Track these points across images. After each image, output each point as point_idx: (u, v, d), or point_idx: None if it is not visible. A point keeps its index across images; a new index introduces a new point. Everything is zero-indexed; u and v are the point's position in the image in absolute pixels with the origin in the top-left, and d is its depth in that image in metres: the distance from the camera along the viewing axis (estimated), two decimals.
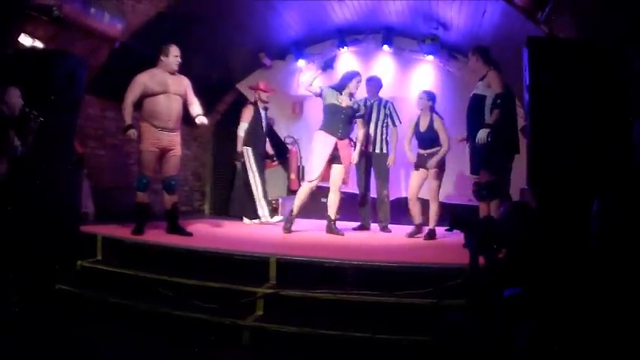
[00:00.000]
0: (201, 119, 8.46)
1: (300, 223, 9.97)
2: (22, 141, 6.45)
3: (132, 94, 7.98)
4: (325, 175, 9.34)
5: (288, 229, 9.31)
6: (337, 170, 9.28)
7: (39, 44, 7.93)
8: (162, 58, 8.19)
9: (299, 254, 6.65)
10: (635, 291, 3.74)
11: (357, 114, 9.50)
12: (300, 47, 13.27)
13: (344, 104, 9.21)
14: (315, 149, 9.29)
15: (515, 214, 4.54)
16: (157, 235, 7.86)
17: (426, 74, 12.83)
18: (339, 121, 9.23)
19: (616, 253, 4.06)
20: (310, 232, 9.47)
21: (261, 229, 9.72)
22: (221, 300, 5.88)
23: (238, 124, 10.98)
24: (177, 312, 5.83)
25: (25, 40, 7.78)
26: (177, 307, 5.90)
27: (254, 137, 11.02)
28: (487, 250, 4.45)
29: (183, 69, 8.22)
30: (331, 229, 9.30)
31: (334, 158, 9.22)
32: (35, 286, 6.42)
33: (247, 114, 11.02)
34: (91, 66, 8.47)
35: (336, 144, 9.17)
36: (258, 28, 12.11)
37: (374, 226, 10.53)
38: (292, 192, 10.92)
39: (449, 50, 12.55)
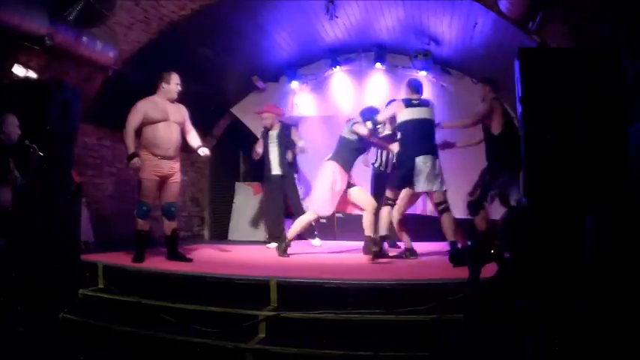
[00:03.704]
0: (204, 151, 8.52)
1: (298, 245, 9.98)
2: (21, 173, 6.45)
3: (133, 121, 7.94)
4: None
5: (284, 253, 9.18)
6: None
7: (33, 74, 7.96)
8: (164, 85, 8.20)
9: (299, 276, 6.66)
10: (631, 299, 3.75)
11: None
12: (292, 68, 13.33)
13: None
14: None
15: (513, 219, 4.55)
16: (157, 262, 7.85)
17: None
18: None
19: (611, 265, 4.07)
20: (309, 254, 9.46)
21: (260, 253, 9.67)
22: (223, 324, 5.87)
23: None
24: (180, 337, 5.81)
25: (18, 70, 7.80)
26: (179, 332, 5.89)
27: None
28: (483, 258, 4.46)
29: (178, 94, 8.23)
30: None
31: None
32: (39, 316, 6.42)
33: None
34: (85, 95, 8.48)
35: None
36: (249, 50, 12.17)
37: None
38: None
39: (442, 65, 12.59)
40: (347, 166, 9.10)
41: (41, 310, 6.47)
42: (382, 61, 12.91)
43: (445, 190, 8.18)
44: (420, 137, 8.13)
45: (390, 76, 13.16)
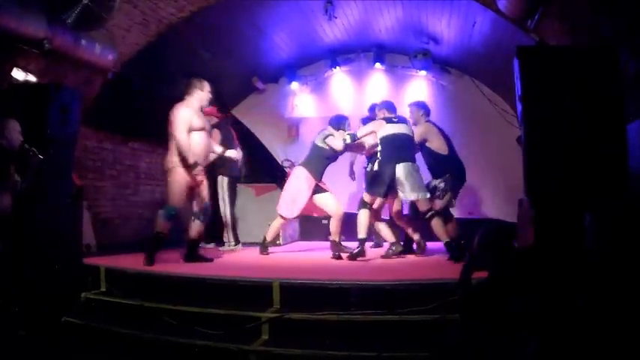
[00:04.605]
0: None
1: (301, 245, 9.97)
2: (22, 177, 6.44)
3: (184, 128, 7.86)
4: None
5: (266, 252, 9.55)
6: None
7: (32, 78, 7.95)
8: (198, 92, 8.18)
9: (301, 277, 6.64)
10: (629, 296, 3.75)
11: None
12: (292, 69, 13.39)
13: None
14: None
15: (486, 241, 4.56)
16: (160, 265, 7.82)
17: (419, 89, 12.81)
18: None
19: (610, 261, 4.07)
20: (311, 254, 9.46)
21: (262, 255, 9.64)
22: (226, 326, 5.86)
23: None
24: (183, 340, 5.79)
25: (17, 74, 7.80)
26: (182, 335, 5.87)
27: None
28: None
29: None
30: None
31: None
32: (41, 319, 6.42)
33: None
34: (85, 98, 8.48)
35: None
36: (249, 52, 12.19)
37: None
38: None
39: (441, 64, 12.60)
40: (316, 173, 9.33)
41: (43, 314, 6.48)
42: (382, 61, 12.93)
43: (428, 197, 8.51)
44: (399, 148, 8.53)
45: (389, 76, 13.21)
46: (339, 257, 8.67)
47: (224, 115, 10.92)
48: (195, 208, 8.31)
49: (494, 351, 3.92)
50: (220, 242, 10.87)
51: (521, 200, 5.86)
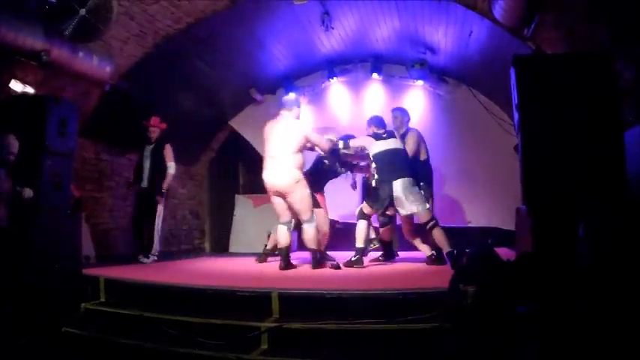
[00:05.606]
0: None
1: (299, 256, 9.99)
2: (21, 187, 6.46)
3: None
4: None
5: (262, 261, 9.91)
6: None
7: (30, 90, 7.97)
8: (296, 109, 8.70)
9: (300, 287, 6.68)
10: (626, 300, 3.76)
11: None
12: (290, 80, 13.38)
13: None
14: None
15: (478, 260, 4.62)
16: (159, 275, 7.85)
17: (416, 99, 12.86)
18: None
19: (607, 267, 4.10)
20: (309, 264, 9.47)
21: (261, 265, 9.68)
22: (226, 336, 5.84)
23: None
24: (182, 350, 5.79)
25: (16, 85, 7.81)
26: (182, 344, 5.86)
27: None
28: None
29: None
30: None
31: None
32: (41, 330, 6.42)
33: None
34: (83, 110, 8.49)
35: None
36: (247, 64, 12.22)
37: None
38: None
39: (438, 74, 12.61)
40: (315, 184, 9.50)
41: (43, 324, 6.48)
42: (379, 72, 12.95)
43: (428, 208, 8.66)
44: (394, 164, 8.62)
45: (386, 87, 13.22)
46: (338, 267, 8.65)
47: (166, 126, 10.74)
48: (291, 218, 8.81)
49: (493, 358, 3.93)
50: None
51: (518, 208, 5.87)
